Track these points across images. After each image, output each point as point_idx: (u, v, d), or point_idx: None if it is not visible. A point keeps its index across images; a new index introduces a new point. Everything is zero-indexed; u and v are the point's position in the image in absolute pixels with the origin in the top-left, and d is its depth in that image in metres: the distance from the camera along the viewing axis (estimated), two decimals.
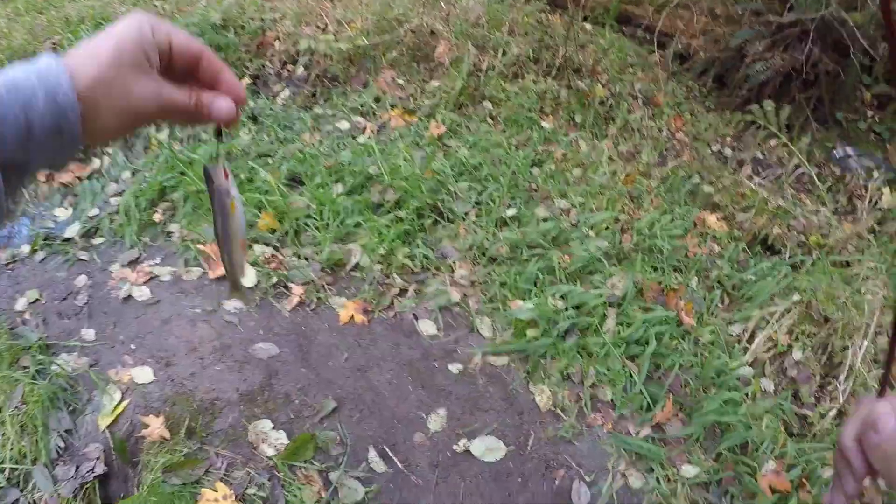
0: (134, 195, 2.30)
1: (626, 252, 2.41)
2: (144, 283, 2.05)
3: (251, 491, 1.62)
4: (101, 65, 0.42)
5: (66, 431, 1.69)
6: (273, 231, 2.26)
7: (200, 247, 2.13)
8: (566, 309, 2.10)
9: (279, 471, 1.64)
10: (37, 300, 2.00)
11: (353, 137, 2.84)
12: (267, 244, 2.23)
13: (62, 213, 2.33)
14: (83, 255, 2.15)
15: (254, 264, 2.12)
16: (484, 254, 2.33)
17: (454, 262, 2.30)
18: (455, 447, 1.77)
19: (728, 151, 3.40)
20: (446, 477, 1.71)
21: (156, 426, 1.69)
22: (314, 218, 2.31)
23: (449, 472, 1.72)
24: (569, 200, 2.62)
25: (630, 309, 2.13)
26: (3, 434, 1.65)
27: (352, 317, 2.08)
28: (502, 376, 1.99)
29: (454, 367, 1.98)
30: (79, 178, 2.47)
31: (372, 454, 1.72)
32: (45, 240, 2.20)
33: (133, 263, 2.11)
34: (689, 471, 1.79)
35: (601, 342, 2.01)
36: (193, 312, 1.97)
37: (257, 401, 1.80)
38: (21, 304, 1.97)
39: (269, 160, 2.62)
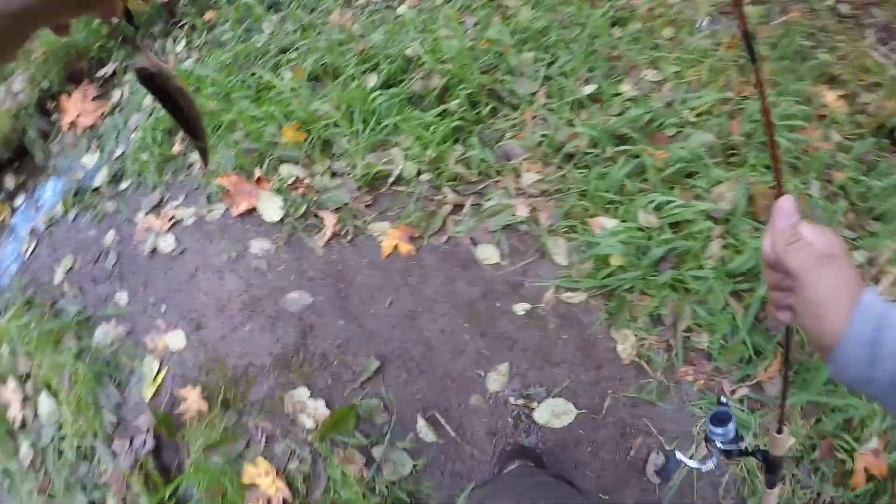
0: (151, 128, 2.01)
1: (734, 146, 1.62)
2: (168, 229, 1.81)
3: (293, 465, 1.42)
4: None
5: (116, 406, 1.61)
6: (299, 144, 1.84)
7: (220, 181, 1.81)
8: (660, 228, 1.47)
9: (318, 448, 1.40)
10: (71, 268, 1.88)
11: (391, 9, 2.21)
12: (294, 162, 1.84)
13: (89, 159, 2.14)
14: (110, 206, 1.97)
15: (278, 192, 1.76)
16: (558, 150, 1.70)
17: (520, 164, 1.72)
18: (516, 410, 1.38)
19: (845, 8, 2.14)
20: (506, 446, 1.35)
21: (193, 399, 1.53)
22: (344, 124, 1.84)
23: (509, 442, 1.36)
24: (661, 71, 1.83)
25: (739, 229, 1.44)
26: (61, 414, 1.62)
27: (396, 247, 1.67)
28: (578, 318, 1.49)
29: (520, 308, 1.52)
30: (102, 116, 2.23)
31: (421, 423, 1.41)
32: (75, 195, 2.04)
33: (157, 208, 1.88)
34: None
35: (702, 275, 1.40)
36: (220, 261, 1.71)
37: (291, 364, 1.54)
38: (59, 275, 1.87)
39: (293, 54, 2.13)
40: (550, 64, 1.93)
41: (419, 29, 2.09)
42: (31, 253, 2.02)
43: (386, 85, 1.95)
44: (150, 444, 1.54)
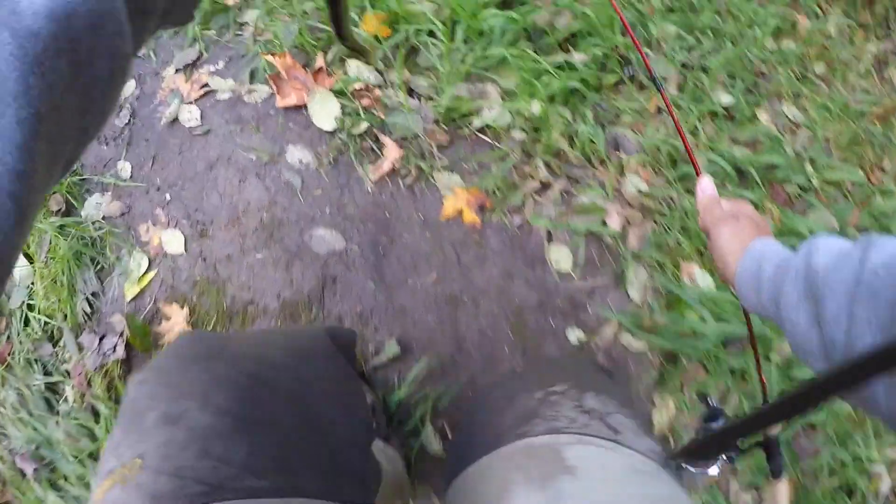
0: None
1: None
2: (197, 99, 1.47)
3: None
4: None
5: (93, 294, 1.37)
6: (379, 41, 1.44)
7: (271, 58, 1.43)
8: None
9: None
10: None
11: None
12: (368, 62, 1.44)
13: None
14: (140, 52, 1.60)
15: (338, 94, 1.39)
16: (674, 163, 1.31)
17: (628, 161, 1.32)
18: None
19: None
20: None
21: (178, 321, 1.27)
22: (441, 35, 1.42)
23: None
24: (802, 112, 1.39)
25: None
26: (34, 284, 1.38)
27: (461, 212, 1.33)
28: (629, 367, 1.19)
29: (574, 335, 1.22)
30: None
31: (428, 429, 1.15)
32: None
33: (190, 68, 1.52)
34: None
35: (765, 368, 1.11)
36: (246, 158, 1.38)
37: (300, 317, 1.26)
38: None
39: None
40: (691, 49, 1.48)
41: None
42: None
43: (503, 4, 1.50)
44: (120, 352, 1.31)
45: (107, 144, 1.48)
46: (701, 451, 0.49)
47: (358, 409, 0.74)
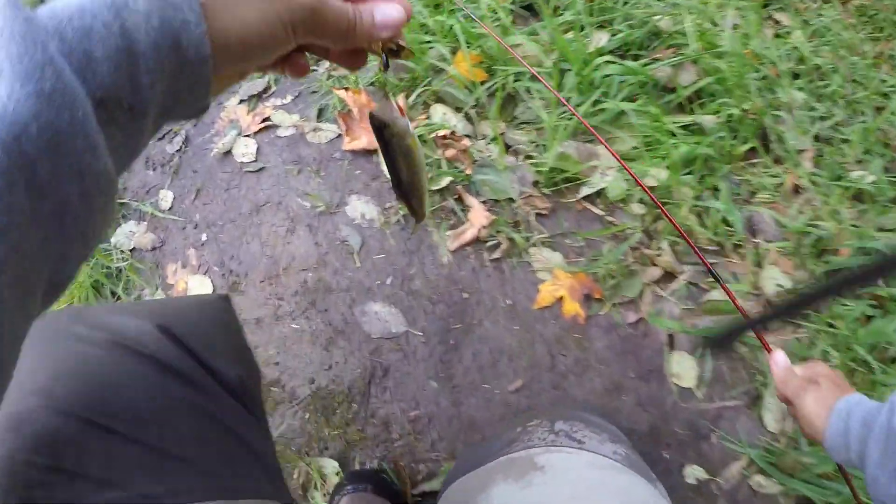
0: None
1: None
2: (256, 132, 1.26)
3: None
4: None
5: None
6: (472, 86, 1.21)
7: (344, 94, 1.22)
8: None
9: None
10: None
11: None
12: (456, 108, 1.21)
13: None
14: None
15: (421, 137, 1.15)
16: (819, 254, 1.00)
17: (767, 250, 1.00)
18: None
19: None
20: None
21: None
22: (547, 81, 1.18)
23: None
24: None
25: None
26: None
27: (560, 301, 1.02)
28: None
29: (692, 473, 0.87)
30: None
31: None
32: None
33: (255, 99, 1.33)
34: None
35: None
36: (299, 205, 1.14)
37: (334, 412, 0.96)
38: None
39: None
40: (822, 119, 1.19)
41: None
42: None
43: (619, 54, 1.26)
44: None
45: (153, 170, 1.28)
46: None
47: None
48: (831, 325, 1.08)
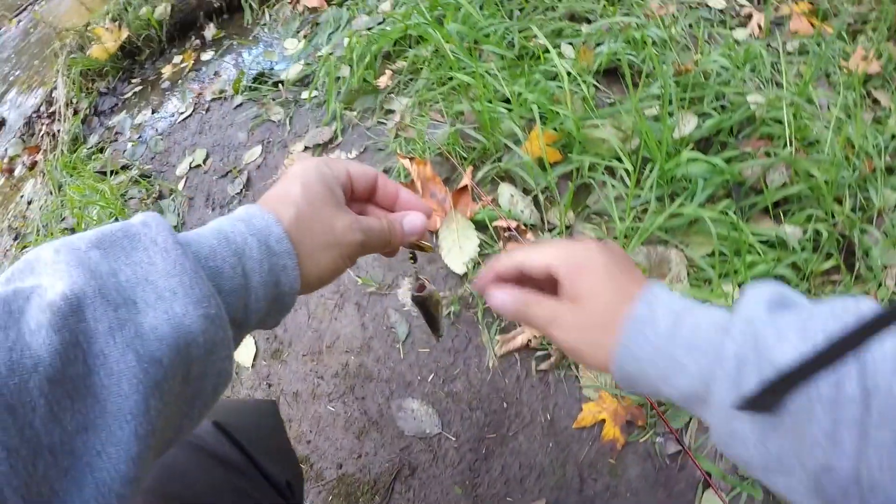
0: (367, 41, 1.42)
1: None
2: None
3: None
4: (297, 204, 0.38)
5: None
6: (543, 168, 1.16)
7: (408, 163, 1.19)
8: None
9: None
10: (198, 166, 1.42)
11: (726, 26, 1.38)
12: (525, 191, 1.16)
13: (292, 45, 1.63)
14: (276, 114, 1.45)
15: (479, 226, 1.11)
16: None
17: None
18: None
19: None
20: None
21: None
22: (622, 173, 1.12)
23: None
24: None
25: None
26: None
27: (602, 424, 0.97)
28: None
29: None
30: (328, 1, 1.69)
31: None
32: (254, 80, 1.56)
33: (321, 148, 1.33)
34: None
35: None
36: (351, 280, 1.12)
37: (357, 502, 0.95)
38: (182, 167, 1.42)
39: (585, 27, 1.39)
40: None
41: (765, 75, 1.27)
42: (183, 120, 1.60)
43: (705, 139, 1.17)
44: None
45: (213, 209, 1.30)
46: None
47: None
48: None
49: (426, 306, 0.54)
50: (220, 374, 0.32)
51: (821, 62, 1.33)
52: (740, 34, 1.49)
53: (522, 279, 0.44)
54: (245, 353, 1.11)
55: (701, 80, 1.33)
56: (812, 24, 1.49)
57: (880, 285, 1.13)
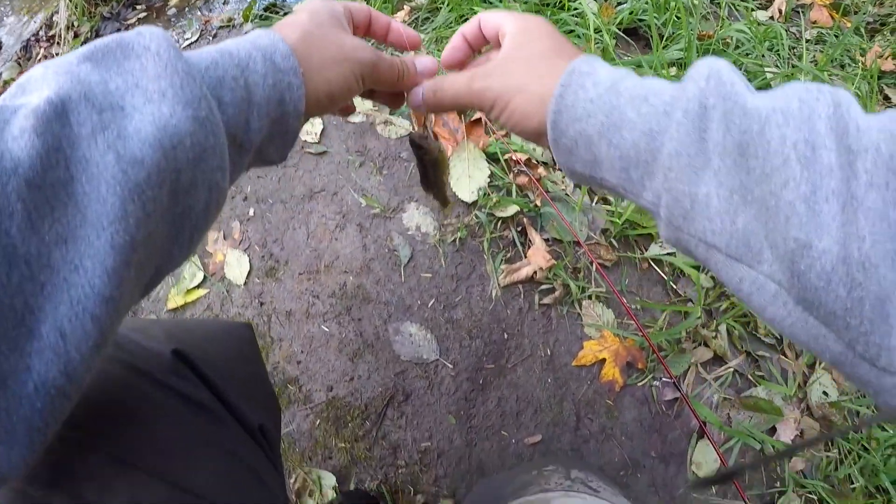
0: None
1: None
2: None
3: None
4: (303, 26, 0.38)
5: None
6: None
7: None
8: None
9: None
10: None
11: (748, 8, 1.38)
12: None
13: None
14: None
15: (491, 158, 1.08)
16: None
17: None
18: None
19: None
20: None
21: None
22: None
23: None
24: None
25: None
26: None
27: (602, 363, 0.95)
28: None
29: None
30: None
31: None
32: (266, 9, 1.51)
33: None
34: None
35: None
36: (354, 201, 1.09)
37: (346, 427, 0.92)
38: None
39: None
40: None
41: (783, 55, 1.26)
42: (187, 47, 1.54)
43: None
44: None
45: None
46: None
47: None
48: (866, 449, 0.99)
49: (421, 156, 0.51)
50: (211, 187, 0.30)
51: (837, 50, 1.32)
52: (761, 15, 1.48)
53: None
54: (238, 270, 1.07)
55: (721, 47, 1.32)
56: (832, 17, 1.49)
57: None
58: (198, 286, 1.07)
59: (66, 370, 0.24)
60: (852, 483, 0.97)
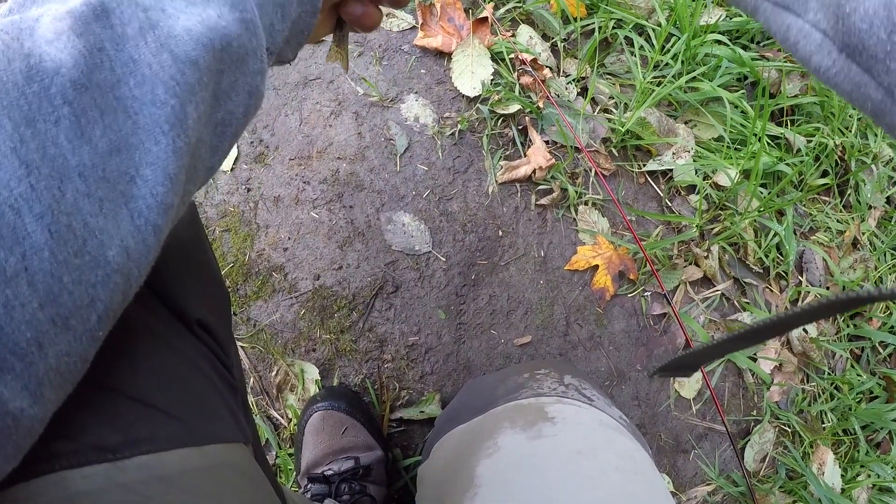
0: None
1: None
2: None
3: None
4: None
5: None
6: (567, 22, 1.09)
7: None
8: None
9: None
10: None
11: None
12: (544, 36, 1.09)
13: None
14: None
15: (495, 57, 1.04)
16: (853, 315, 1.00)
17: (808, 291, 0.93)
18: None
19: None
20: None
21: None
22: (649, 39, 1.06)
23: None
24: None
25: None
26: None
27: (594, 271, 0.95)
28: None
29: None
30: None
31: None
32: None
33: None
34: None
35: None
36: (351, 90, 1.04)
37: (332, 318, 0.90)
38: None
39: None
40: None
41: None
42: None
43: (732, 36, 1.13)
44: None
45: None
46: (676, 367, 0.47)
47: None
48: (838, 389, 1.03)
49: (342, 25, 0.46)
50: (251, 92, 0.28)
51: None
52: None
53: None
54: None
55: None
56: None
57: (863, 220, 1.15)
58: None
59: (127, 294, 0.23)
60: (823, 423, 1.01)
